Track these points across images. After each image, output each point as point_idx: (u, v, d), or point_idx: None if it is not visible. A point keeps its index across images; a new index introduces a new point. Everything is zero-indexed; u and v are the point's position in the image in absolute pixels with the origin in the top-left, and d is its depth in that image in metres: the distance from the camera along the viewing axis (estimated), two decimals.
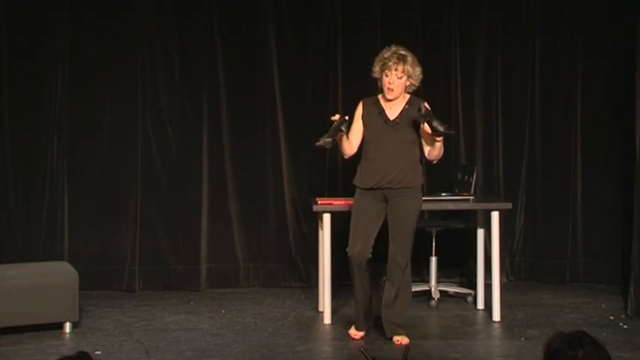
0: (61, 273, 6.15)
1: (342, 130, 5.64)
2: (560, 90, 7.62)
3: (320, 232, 6.49)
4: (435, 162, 5.82)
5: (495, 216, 6.22)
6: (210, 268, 7.54)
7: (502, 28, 7.62)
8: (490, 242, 6.32)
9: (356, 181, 5.79)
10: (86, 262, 7.23)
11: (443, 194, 6.59)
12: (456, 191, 6.89)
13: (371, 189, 5.69)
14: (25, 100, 7.40)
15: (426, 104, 5.63)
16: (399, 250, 5.63)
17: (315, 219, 6.72)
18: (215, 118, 7.53)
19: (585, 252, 7.57)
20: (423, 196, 6.48)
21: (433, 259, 6.87)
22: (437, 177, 7.56)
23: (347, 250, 5.73)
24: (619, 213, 7.38)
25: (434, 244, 6.89)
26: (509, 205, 6.52)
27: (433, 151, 5.66)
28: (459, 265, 7.60)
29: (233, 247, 7.57)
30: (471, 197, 6.50)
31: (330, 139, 5.59)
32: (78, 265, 6.38)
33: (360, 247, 5.65)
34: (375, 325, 5.95)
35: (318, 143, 5.64)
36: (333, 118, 5.69)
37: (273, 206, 7.58)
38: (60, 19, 7.37)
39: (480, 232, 6.64)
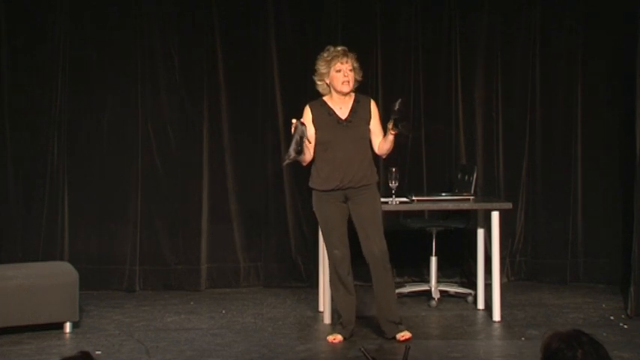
0: (61, 273, 6.15)
1: (303, 139, 5.49)
2: (560, 90, 7.62)
3: (320, 232, 6.47)
4: (384, 156, 5.83)
5: (495, 216, 6.22)
6: (210, 268, 7.54)
7: (502, 28, 7.62)
8: (490, 242, 6.31)
9: (313, 184, 5.74)
10: (86, 262, 7.25)
11: (443, 194, 6.59)
12: (456, 191, 6.89)
13: (332, 190, 5.66)
14: (25, 100, 7.40)
15: (400, 101, 5.57)
16: (376, 246, 5.62)
17: (315, 219, 6.70)
18: (215, 118, 7.53)
19: (585, 252, 7.56)
20: (423, 196, 6.51)
21: (433, 259, 6.87)
22: (437, 177, 7.57)
23: (328, 256, 5.74)
24: (619, 213, 7.37)
25: (434, 244, 6.88)
26: (509, 205, 6.52)
27: (385, 144, 5.66)
28: (459, 265, 7.60)
29: (233, 247, 7.57)
30: (471, 197, 6.50)
31: (294, 155, 5.49)
32: (78, 265, 6.39)
33: (341, 253, 5.67)
34: (375, 325, 5.95)
35: (286, 162, 5.60)
36: (292, 130, 5.52)
37: (273, 206, 7.59)
38: (60, 19, 7.37)
39: (480, 232, 6.64)
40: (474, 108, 7.66)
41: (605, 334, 5.80)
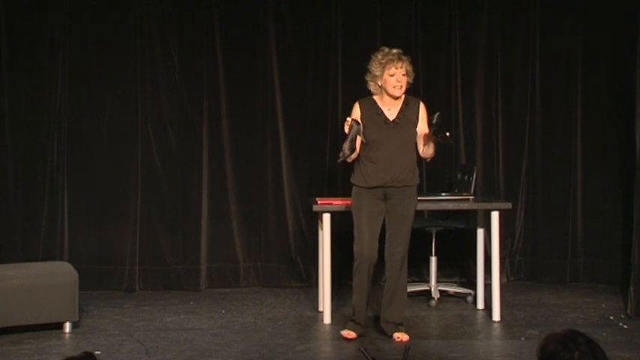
0: (61, 273, 6.15)
1: (358, 137, 5.59)
2: (560, 90, 7.62)
3: (320, 232, 6.49)
4: (427, 160, 5.89)
5: (495, 216, 6.22)
6: (210, 268, 7.54)
7: (502, 28, 7.62)
8: (490, 242, 6.32)
9: (356, 180, 5.79)
10: (86, 262, 7.24)
11: (443, 194, 6.60)
12: (456, 191, 6.89)
13: (374, 188, 5.71)
14: (25, 100, 7.40)
15: (438, 114, 5.64)
16: (400, 249, 5.69)
17: (315, 219, 6.72)
18: (215, 118, 7.53)
19: (585, 252, 7.57)
20: (423, 196, 6.52)
21: (433, 259, 6.87)
22: (437, 177, 7.57)
23: (355, 251, 5.73)
24: (619, 213, 7.37)
25: (434, 244, 6.89)
26: (509, 205, 6.52)
27: (428, 150, 5.72)
28: (459, 265, 7.60)
29: (233, 247, 7.57)
30: (471, 197, 6.50)
31: (348, 153, 5.60)
32: (78, 265, 6.39)
33: (370, 248, 5.70)
34: (375, 325, 5.96)
35: (339, 160, 5.68)
36: (346, 128, 5.61)
37: (273, 206, 7.59)
38: (60, 19, 7.37)
39: (480, 232, 6.64)
40: (474, 108, 7.66)
41: (605, 334, 5.81)
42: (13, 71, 7.38)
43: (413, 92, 7.45)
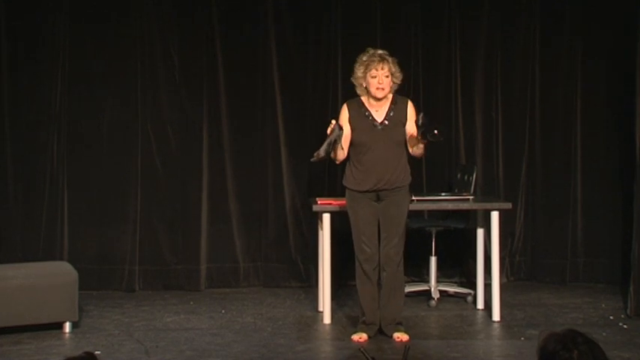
0: (61, 273, 6.15)
1: (337, 143, 5.57)
2: (560, 90, 7.62)
3: (320, 232, 6.49)
4: (418, 158, 5.91)
5: (495, 216, 6.22)
6: (210, 268, 7.54)
7: (502, 28, 7.63)
8: (490, 242, 6.32)
9: (348, 184, 5.78)
10: (86, 262, 7.24)
11: (443, 194, 6.60)
12: (456, 191, 6.89)
13: (366, 191, 5.71)
14: (25, 100, 7.41)
15: (422, 115, 5.63)
16: (395, 249, 5.68)
17: (315, 219, 6.72)
18: (215, 118, 7.54)
19: (585, 252, 7.57)
20: (423, 196, 6.52)
21: (433, 259, 6.87)
22: (437, 177, 7.57)
23: (357, 255, 5.73)
24: (619, 213, 7.38)
25: (434, 244, 6.89)
26: (509, 205, 6.52)
27: (417, 150, 5.73)
28: (459, 265, 7.60)
29: (233, 247, 7.57)
30: (471, 197, 6.50)
31: (324, 155, 5.57)
32: (78, 265, 6.39)
33: (371, 250, 5.70)
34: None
35: (312, 159, 5.66)
36: (328, 129, 5.61)
37: (273, 206, 7.59)
38: (60, 20, 7.38)
39: (480, 232, 6.64)
40: (474, 108, 7.66)
41: (605, 334, 5.81)
42: (13, 71, 7.38)
43: (413, 92, 7.49)
